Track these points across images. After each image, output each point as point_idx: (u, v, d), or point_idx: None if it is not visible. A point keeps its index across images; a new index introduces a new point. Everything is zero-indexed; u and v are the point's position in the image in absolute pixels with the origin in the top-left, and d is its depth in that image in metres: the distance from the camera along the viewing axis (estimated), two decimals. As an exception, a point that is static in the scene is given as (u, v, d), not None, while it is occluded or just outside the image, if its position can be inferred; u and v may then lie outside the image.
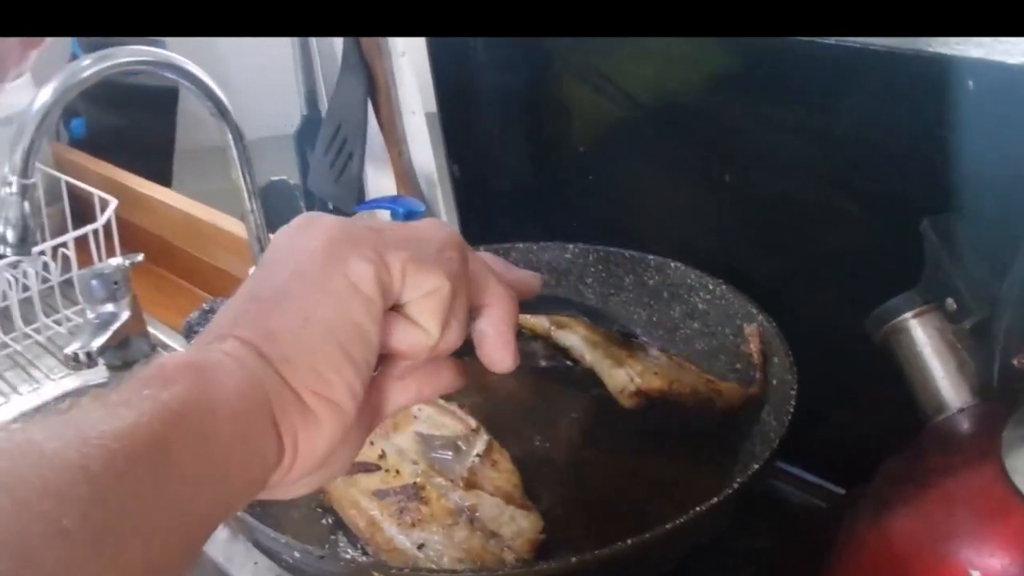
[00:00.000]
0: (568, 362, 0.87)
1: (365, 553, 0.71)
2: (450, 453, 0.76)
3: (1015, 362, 0.52)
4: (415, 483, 0.74)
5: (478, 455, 0.76)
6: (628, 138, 0.87)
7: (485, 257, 0.50)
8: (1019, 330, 0.51)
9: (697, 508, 0.60)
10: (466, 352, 0.49)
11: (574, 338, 0.86)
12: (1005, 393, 0.52)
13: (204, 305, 1.26)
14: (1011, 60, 0.54)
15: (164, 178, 1.77)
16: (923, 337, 0.56)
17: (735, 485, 0.62)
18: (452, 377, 0.50)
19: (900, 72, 0.62)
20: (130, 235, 1.56)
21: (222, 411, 0.39)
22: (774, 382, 0.74)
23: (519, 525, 0.70)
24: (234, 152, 1.10)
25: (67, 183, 1.40)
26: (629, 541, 0.58)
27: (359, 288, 0.43)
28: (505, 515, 0.71)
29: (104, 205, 1.32)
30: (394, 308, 0.45)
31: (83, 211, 1.42)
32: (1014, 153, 0.57)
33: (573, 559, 0.58)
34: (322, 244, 0.44)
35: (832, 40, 0.63)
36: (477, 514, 0.71)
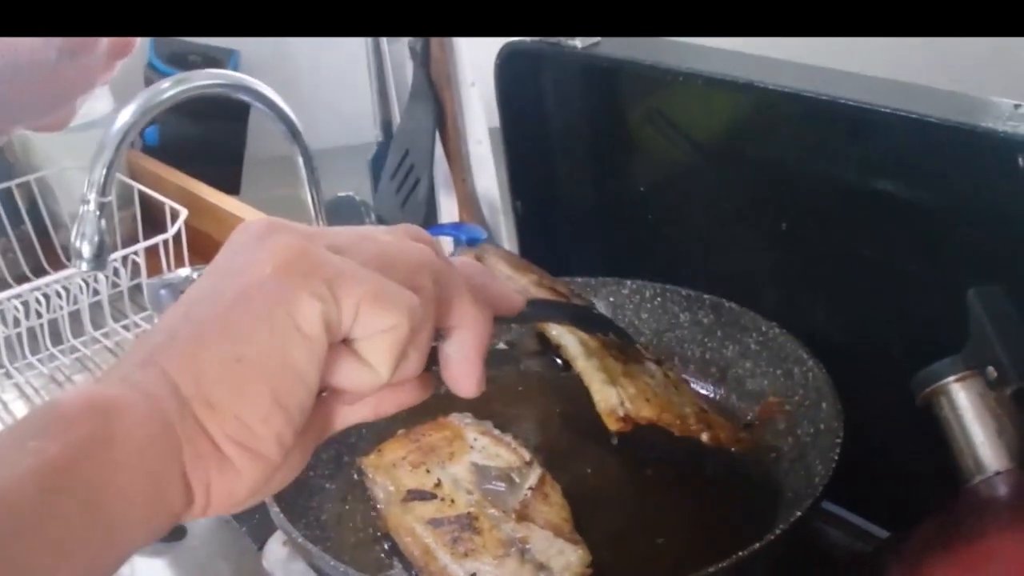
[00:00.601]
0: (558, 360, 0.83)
1: (417, 576, 0.75)
2: (503, 485, 0.80)
3: (1051, 432, 0.55)
4: (469, 513, 0.78)
5: (530, 488, 0.79)
6: (688, 180, 0.90)
7: (467, 268, 0.48)
8: (1055, 402, 0.54)
9: (740, 553, 0.63)
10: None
11: (570, 338, 0.82)
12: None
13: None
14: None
15: (233, 186, 1.82)
16: (964, 401, 0.59)
17: (777, 531, 0.65)
18: (416, 392, 0.48)
19: (960, 148, 0.65)
20: (199, 243, 1.61)
21: (123, 461, 0.37)
22: (821, 427, 0.77)
23: (568, 559, 0.74)
24: (303, 171, 1.15)
25: (139, 191, 1.45)
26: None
27: (302, 328, 0.40)
28: (554, 548, 0.75)
29: (175, 215, 1.36)
30: (344, 341, 0.42)
31: (155, 217, 1.47)
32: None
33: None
34: (272, 271, 0.41)
35: (891, 109, 0.66)
36: (528, 546, 0.74)
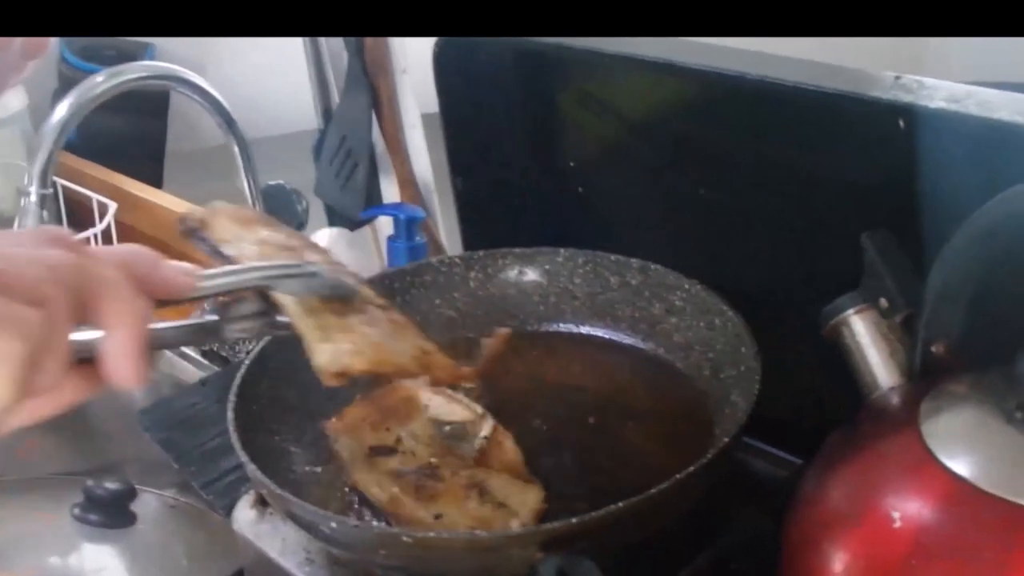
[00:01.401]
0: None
1: (390, 524, 0.84)
2: (460, 436, 0.90)
3: (933, 349, 0.67)
4: (430, 462, 0.87)
5: (485, 437, 0.89)
6: (615, 154, 1.01)
7: (130, 257, 0.49)
8: (936, 324, 0.66)
9: (676, 476, 0.74)
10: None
11: (288, 297, 0.75)
12: (926, 375, 0.67)
13: (206, 306, 1.39)
14: (932, 105, 0.69)
15: (155, 180, 1.88)
16: (862, 330, 0.71)
17: (708, 456, 0.76)
18: (80, 389, 0.49)
19: (850, 115, 0.76)
20: (127, 238, 1.67)
21: None
22: (742, 368, 0.88)
23: (524, 496, 0.84)
24: (239, 160, 1.23)
25: (64, 187, 1.48)
26: (620, 504, 0.72)
27: None
28: (512, 488, 0.84)
29: (103, 210, 1.41)
30: None
31: (81, 215, 1.51)
32: (933, 185, 0.72)
33: (574, 520, 0.71)
34: None
35: (791, 83, 0.77)
36: (487, 488, 0.84)
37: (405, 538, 0.73)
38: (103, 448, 1.38)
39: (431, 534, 0.73)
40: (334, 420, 0.94)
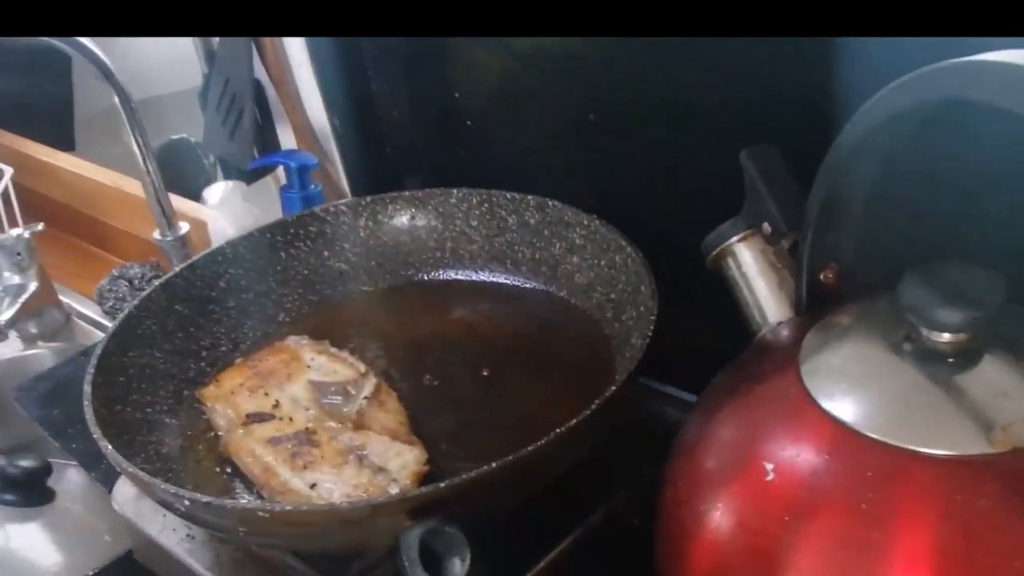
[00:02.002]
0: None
1: (261, 497, 0.78)
2: (340, 397, 0.83)
3: (822, 278, 0.60)
4: (307, 428, 0.81)
5: (366, 397, 0.83)
6: (502, 83, 0.93)
7: None
8: (822, 249, 0.59)
9: (555, 432, 0.67)
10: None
11: None
12: (816, 307, 0.60)
13: (114, 271, 1.32)
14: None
15: (67, 143, 1.79)
16: (748, 259, 0.64)
17: (589, 410, 0.69)
18: None
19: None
20: (32, 203, 1.59)
21: None
22: (641, 309, 0.81)
23: (404, 459, 0.77)
24: (123, 114, 1.14)
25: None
26: (493, 465, 0.65)
27: None
28: (391, 451, 0.78)
29: (-1, 175, 1.34)
30: None
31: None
32: (812, 96, 0.64)
33: (442, 485, 0.64)
34: None
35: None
36: (365, 452, 0.78)
37: (261, 513, 0.66)
38: (15, 426, 1.31)
39: (288, 508, 0.66)
40: (210, 387, 0.88)
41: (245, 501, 0.73)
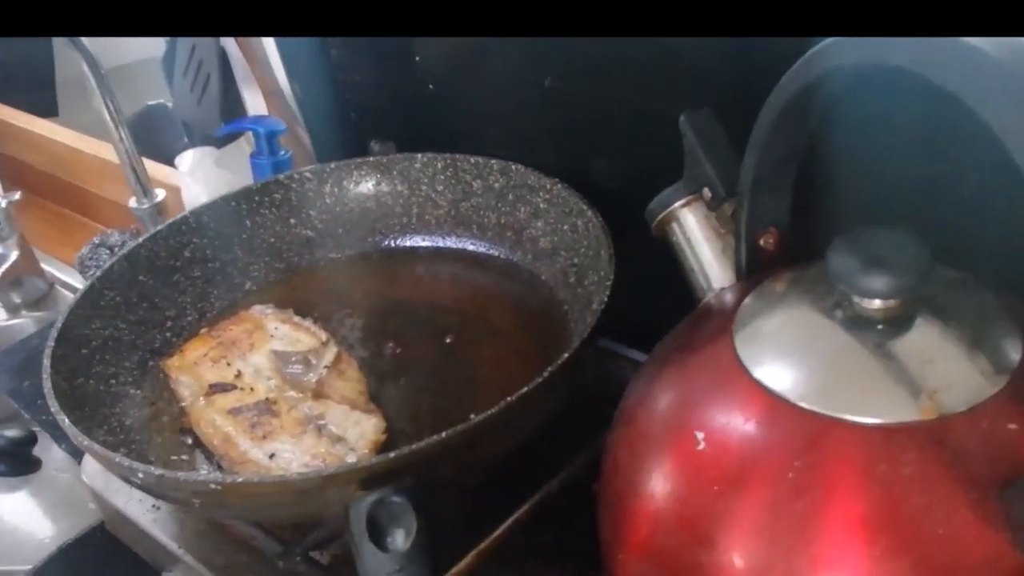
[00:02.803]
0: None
1: (221, 468, 0.78)
2: (301, 367, 0.83)
3: (762, 243, 0.59)
4: (267, 398, 0.81)
5: (326, 366, 0.83)
6: (462, 46, 0.92)
7: None
8: (760, 213, 0.58)
9: (506, 400, 0.67)
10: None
11: None
12: (753, 271, 0.60)
13: (95, 239, 1.32)
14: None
15: (50, 109, 1.79)
16: (692, 225, 0.63)
17: (543, 375, 0.69)
18: None
19: None
20: (16, 172, 1.60)
21: None
22: (601, 274, 0.81)
23: (362, 428, 0.78)
24: (92, 80, 1.14)
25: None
26: (443, 434, 0.65)
27: None
28: (350, 420, 0.78)
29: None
30: None
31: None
32: (746, 61, 0.64)
33: (392, 455, 0.65)
34: None
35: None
36: (324, 421, 0.78)
37: (213, 486, 0.66)
38: (2, 397, 1.33)
39: (239, 480, 0.66)
40: (175, 358, 0.88)
41: (198, 473, 0.73)
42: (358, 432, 0.77)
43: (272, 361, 0.85)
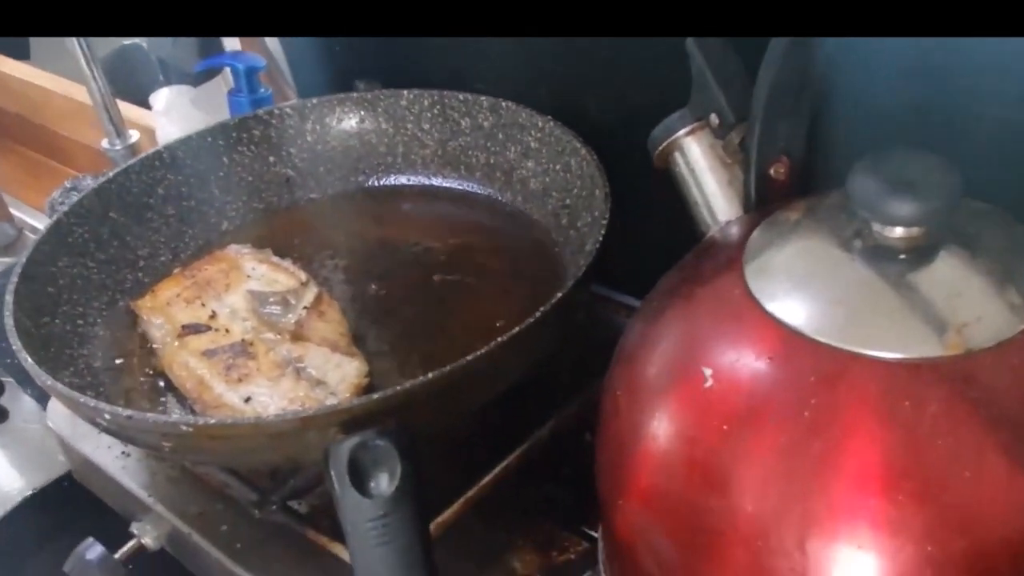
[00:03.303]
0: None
1: (194, 413, 0.74)
2: (280, 308, 0.79)
3: (772, 173, 0.56)
4: (243, 340, 0.77)
5: (306, 307, 0.79)
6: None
7: None
8: (771, 142, 0.55)
9: (497, 341, 0.64)
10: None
11: None
12: (763, 203, 0.56)
13: (66, 183, 1.27)
14: None
15: (21, 51, 1.74)
16: (696, 154, 0.60)
17: (535, 315, 0.65)
18: None
19: None
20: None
21: None
22: (596, 214, 0.77)
23: (344, 371, 0.74)
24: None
25: None
26: (429, 376, 0.62)
27: None
28: (331, 363, 0.75)
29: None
30: None
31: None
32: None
33: (375, 396, 0.61)
34: None
35: None
36: (303, 364, 0.75)
37: (184, 427, 0.62)
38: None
39: (211, 421, 0.63)
40: (146, 298, 0.84)
41: (168, 415, 0.69)
42: (339, 375, 0.74)
43: (249, 302, 0.81)
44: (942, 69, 0.59)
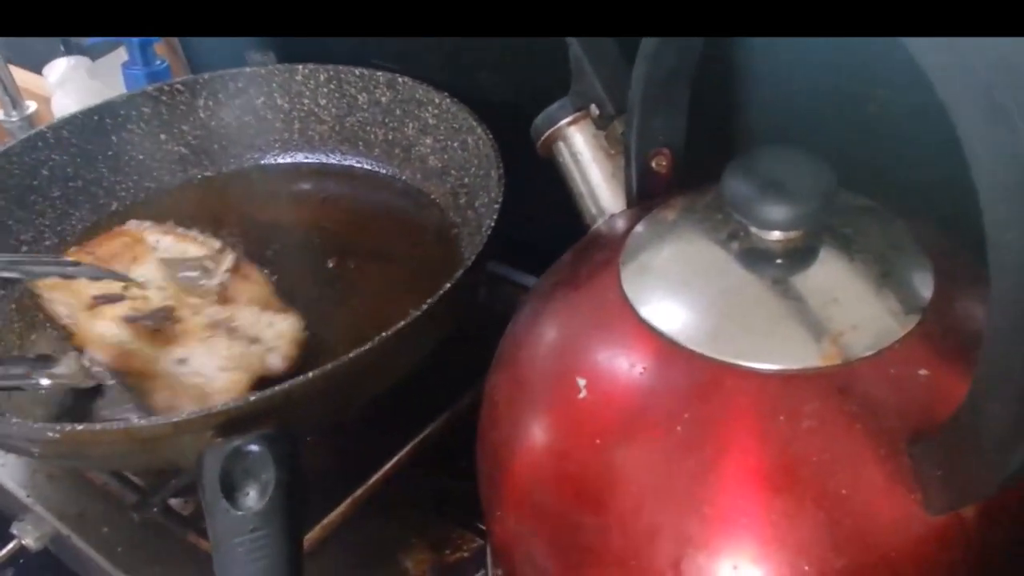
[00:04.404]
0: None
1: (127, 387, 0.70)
2: (198, 272, 0.75)
3: (654, 165, 0.53)
4: (165, 306, 0.72)
5: (227, 270, 0.75)
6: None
7: None
8: (649, 132, 0.51)
9: (380, 335, 0.60)
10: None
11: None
12: (645, 196, 0.53)
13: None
14: None
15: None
16: (580, 145, 0.56)
17: (420, 309, 0.62)
18: None
19: None
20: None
21: None
22: (492, 194, 0.74)
23: (279, 328, 0.71)
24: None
25: None
26: (310, 375, 0.58)
27: None
28: (263, 322, 0.71)
29: None
30: None
31: None
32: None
33: (252, 398, 0.57)
34: None
35: None
36: (234, 324, 0.70)
37: (51, 434, 0.58)
38: None
39: (79, 428, 0.58)
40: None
41: (30, 423, 0.64)
42: (276, 332, 0.70)
43: (162, 270, 0.76)
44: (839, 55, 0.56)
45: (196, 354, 0.69)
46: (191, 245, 0.79)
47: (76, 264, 0.74)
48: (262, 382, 0.68)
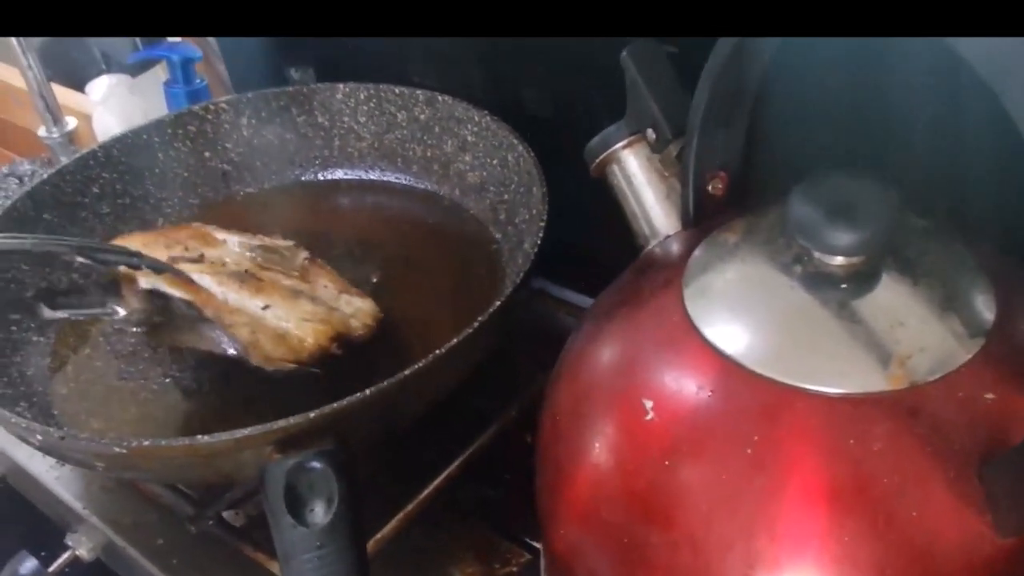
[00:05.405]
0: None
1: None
2: (277, 256, 0.74)
3: (711, 189, 0.52)
4: (247, 270, 0.71)
5: (305, 259, 0.74)
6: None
7: None
8: (709, 155, 0.51)
9: (437, 351, 0.59)
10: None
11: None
12: (700, 219, 0.52)
13: (3, 168, 1.21)
14: None
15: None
16: (634, 167, 0.56)
17: (475, 325, 0.61)
18: None
19: None
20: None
21: None
22: (534, 212, 0.73)
23: (356, 306, 0.71)
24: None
25: None
26: (367, 392, 0.57)
27: None
28: (342, 300, 0.71)
29: None
30: None
31: None
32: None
33: (312, 414, 0.57)
34: None
35: None
36: (316, 295, 0.70)
37: (118, 449, 0.58)
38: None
39: (146, 443, 0.58)
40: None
41: (99, 439, 0.63)
42: (353, 308, 0.71)
43: (242, 247, 0.75)
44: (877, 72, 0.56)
45: (280, 304, 0.69)
46: (257, 242, 0.78)
47: (139, 255, 0.72)
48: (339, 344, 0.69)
